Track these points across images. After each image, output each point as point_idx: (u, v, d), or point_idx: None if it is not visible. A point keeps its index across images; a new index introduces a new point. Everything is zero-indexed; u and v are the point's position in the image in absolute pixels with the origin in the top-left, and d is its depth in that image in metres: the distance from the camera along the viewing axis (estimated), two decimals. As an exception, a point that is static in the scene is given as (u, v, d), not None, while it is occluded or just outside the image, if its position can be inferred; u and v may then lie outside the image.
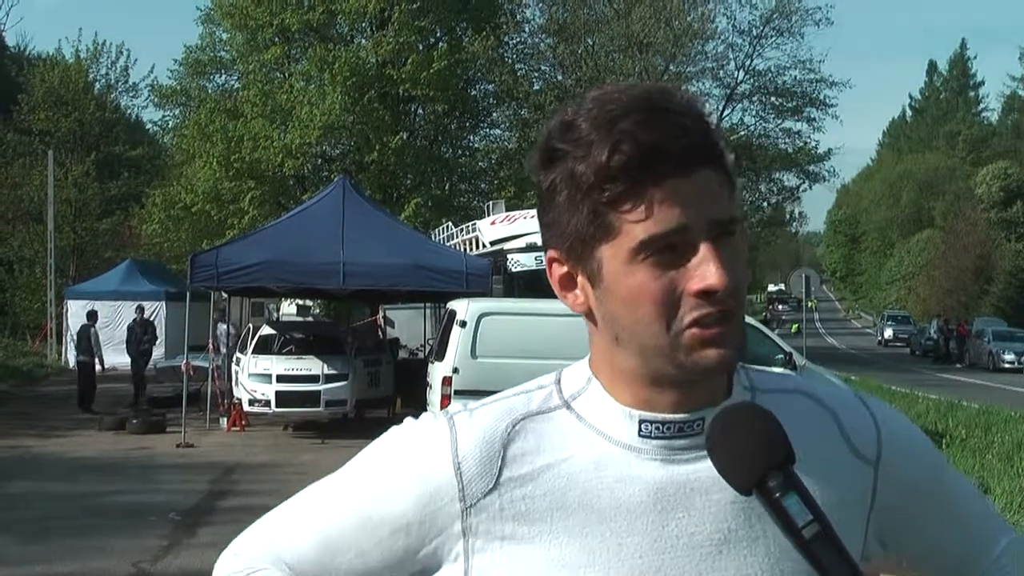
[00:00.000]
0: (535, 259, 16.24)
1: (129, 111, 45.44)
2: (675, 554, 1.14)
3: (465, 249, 19.64)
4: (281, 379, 16.29)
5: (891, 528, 1.24)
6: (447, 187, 36.87)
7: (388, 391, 17.99)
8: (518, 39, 38.17)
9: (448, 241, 21.76)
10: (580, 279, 1.16)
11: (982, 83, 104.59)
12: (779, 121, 41.64)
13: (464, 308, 12.60)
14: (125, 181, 39.76)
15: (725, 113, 40.10)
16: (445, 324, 13.50)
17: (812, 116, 41.24)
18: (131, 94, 41.85)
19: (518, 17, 37.08)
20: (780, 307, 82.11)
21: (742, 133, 41.06)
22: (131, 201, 38.63)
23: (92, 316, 20.49)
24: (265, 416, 16.63)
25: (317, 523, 1.23)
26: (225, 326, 20.60)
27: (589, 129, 1.10)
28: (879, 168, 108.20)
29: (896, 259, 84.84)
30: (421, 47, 33.16)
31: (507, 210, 21.80)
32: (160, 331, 23.85)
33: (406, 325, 22.96)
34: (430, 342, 17.64)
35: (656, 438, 1.16)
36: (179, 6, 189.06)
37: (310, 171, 34.16)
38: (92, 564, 8.23)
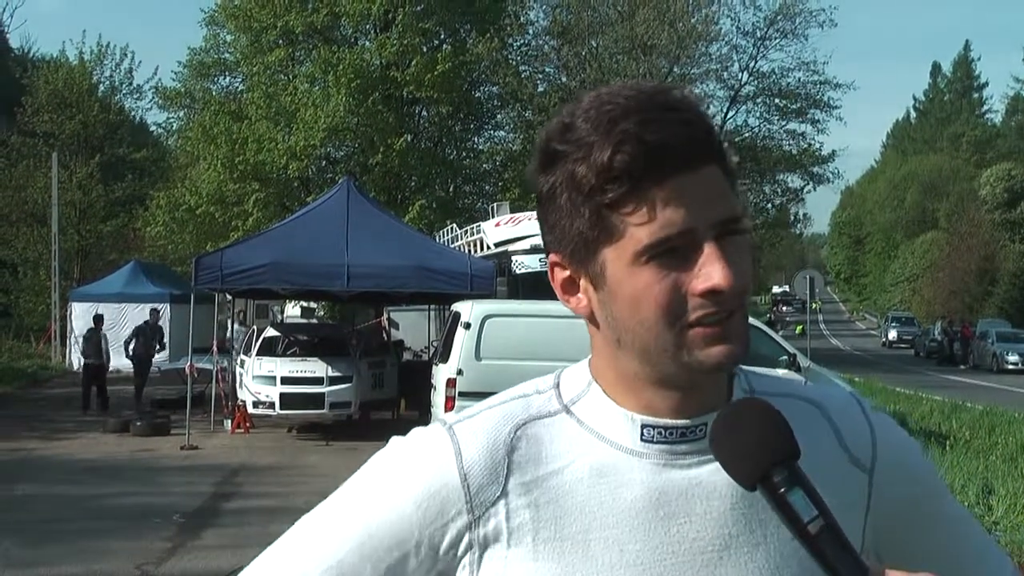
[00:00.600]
0: (539, 261, 16.23)
1: (133, 113, 45.45)
2: (677, 560, 1.13)
3: (469, 251, 19.64)
4: (285, 381, 16.30)
5: (887, 542, 1.21)
6: (451, 189, 36.87)
7: (392, 393, 17.99)
8: (522, 41, 38.20)
9: (452, 243, 21.76)
10: (583, 282, 1.15)
11: (986, 85, 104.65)
12: (783, 123, 41.63)
13: (468, 310, 12.59)
14: (129, 183, 39.74)
15: (729, 115, 40.14)
16: (449, 326, 13.49)
17: (816, 118, 41.25)
18: (135, 96, 41.83)
19: (522, 19, 37.06)
20: (784, 309, 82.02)
21: (746, 135, 41.06)
22: (135, 203, 38.62)
23: (99, 320, 20.50)
24: (269, 418, 16.63)
25: (317, 560, 1.16)
26: (241, 328, 20.61)
27: (589, 130, 1.08)
28: (883, 170, 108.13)
29: (900, 261, 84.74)
30: (425, 49, 33.17)
31: (511, 212, 21.79)
32: (164, 333, 23.76)
33: (410, 327, 22.94)
34: (434, 344, 17.63)
35: (658, 443, 1.15)
36: (183, 8, 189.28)
37: (314, 173, 34.16)
38: (96, 566, 8.24)
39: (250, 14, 32.80)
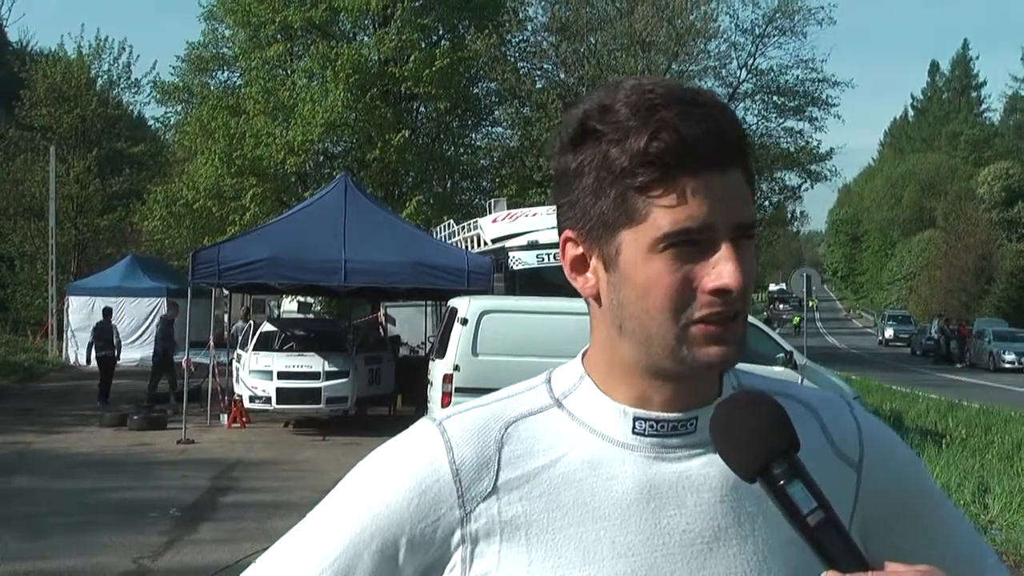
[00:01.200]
0: (536, 257, 16.23)
1: (131, 107, 45.36)
2: (667, 551, 1.14)
3: (466, 247, 19.62)
4: (282, 376, 16.29)
5: (874, 537, 1.22)
6: (449, 185, 36.84)
7: (389, 388, 18.01)
8: (520, 37, 38.16)
9: (450, 239, 21.73)
10: (594, 262, 1.16)
11: (984, 83, 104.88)
12: (781, 120, 41.60)
13: (465, 306, 12.60)
14: (127, 177, 39.67)
15: (727, 112, 40.05)
16: (446, 322, 13.49)
17: (814, 115, 41.24)
18: (133, 90, 41.72)
19: (520, 15, 37.04)
20: (781, 306, 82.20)
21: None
22: (133, 197, 38.53)
23: (108, 312, 21.11)
24: (266, 413, 16.62)
25: (314, 559, 1.17)
26: (243, 324, 20.62)
27: (628, 114, 1.10)
28: (881, 168, 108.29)
29: (897, 259, 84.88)
30: (423, 45, 33.13)
31: (509, 208, 21.77)
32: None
33: (407, 322, 22.94)
34: (431, 340, 17.64)
35: (650, 435, 1.16)
36: (182, 3, 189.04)
37: (312, 168, 34.12)
38: (93, 560, 8.24)
39: (248, 9, 32.74)
